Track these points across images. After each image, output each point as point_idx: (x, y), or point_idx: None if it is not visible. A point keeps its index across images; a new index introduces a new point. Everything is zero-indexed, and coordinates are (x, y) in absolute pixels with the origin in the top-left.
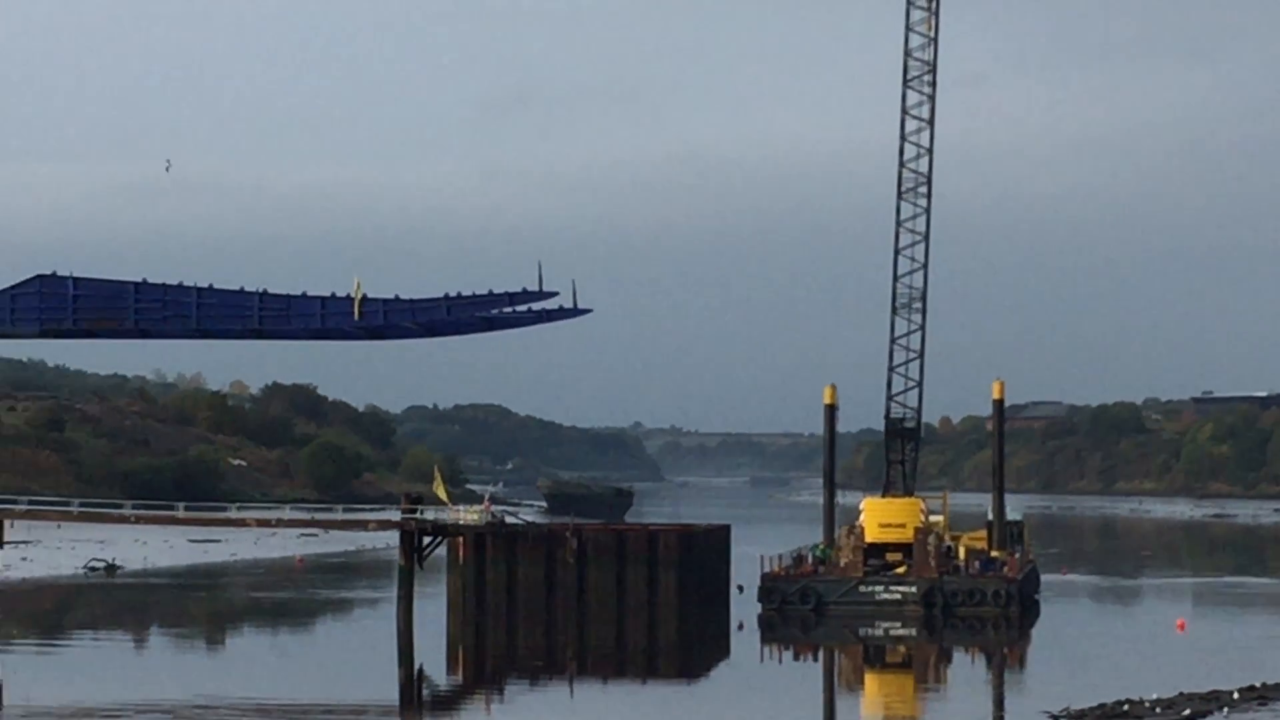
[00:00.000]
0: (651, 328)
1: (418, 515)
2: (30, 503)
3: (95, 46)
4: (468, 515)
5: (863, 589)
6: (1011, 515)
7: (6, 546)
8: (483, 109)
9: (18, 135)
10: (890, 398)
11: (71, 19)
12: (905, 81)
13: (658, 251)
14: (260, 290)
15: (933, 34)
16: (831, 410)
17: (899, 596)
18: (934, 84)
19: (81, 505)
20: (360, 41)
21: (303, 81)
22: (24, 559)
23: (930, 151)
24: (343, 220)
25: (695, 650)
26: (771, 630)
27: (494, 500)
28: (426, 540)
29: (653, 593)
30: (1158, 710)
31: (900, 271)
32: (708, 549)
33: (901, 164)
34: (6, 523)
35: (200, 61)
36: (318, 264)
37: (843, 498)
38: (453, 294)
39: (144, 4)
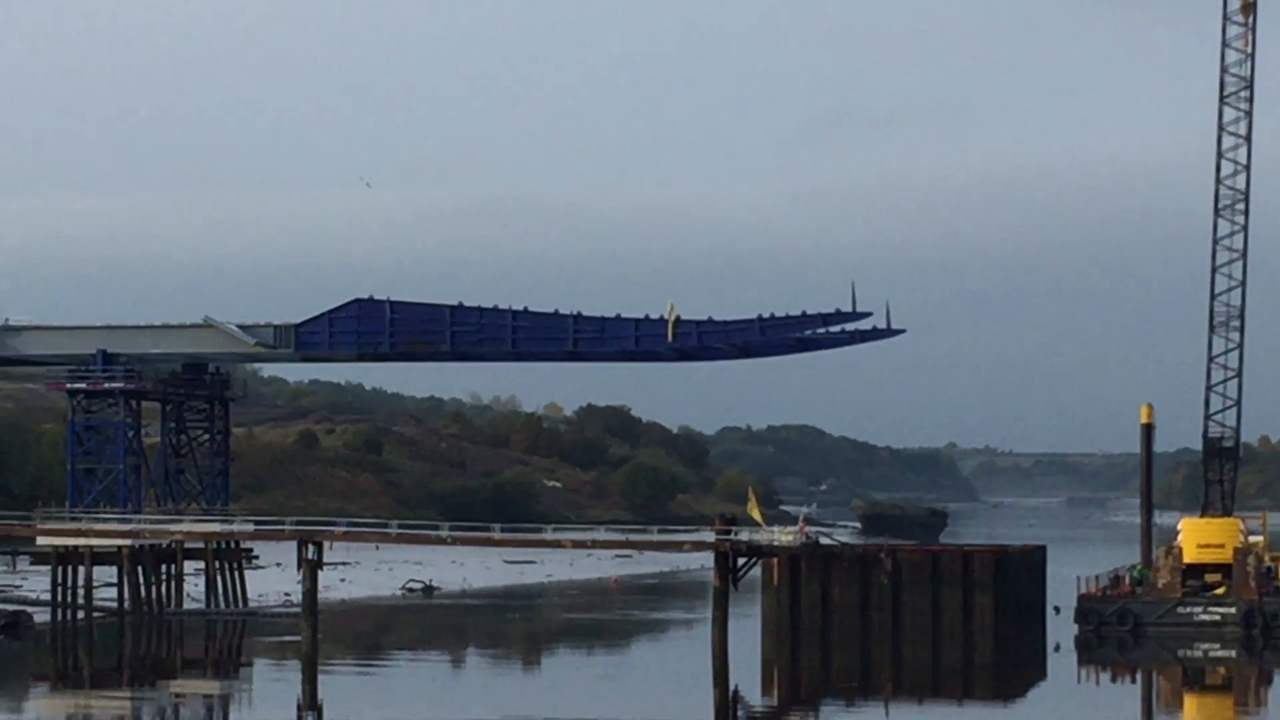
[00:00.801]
0: (966, 347)
1: (732, 536)
2: (349, 524)
3: (415, 73)
4: (782, 536)
5: (1181, 610)
6: None
7: (326, 568)
8: (800, 130)
9: (339, 161)
10: (1208, 417)
11: (394, 47)
12: (1222, 98)
13: (972, 270)
14: (575, 313)
15: (1250, 50)
16: (1148, 430)
17: (1218, 618)
18: (1251, 100)
19: (399, 527)
20: (679, 63)
21: (621, 103)
22: (343, 580)
23: (1248, 168)
24: (657, 242)
25: (1011, 671)
26: (1088, 651)
27: (808, 521)
28: (741, 561)
29: (968, 614)
30: None
31: (1217, 289)
32: (1023, 570)
33: (1218, 181)
34: (326, 544)
35: (521, 86)
36: (632, 286)
37: (1160, 518)
38: (766, 315)
39: (467, 32)
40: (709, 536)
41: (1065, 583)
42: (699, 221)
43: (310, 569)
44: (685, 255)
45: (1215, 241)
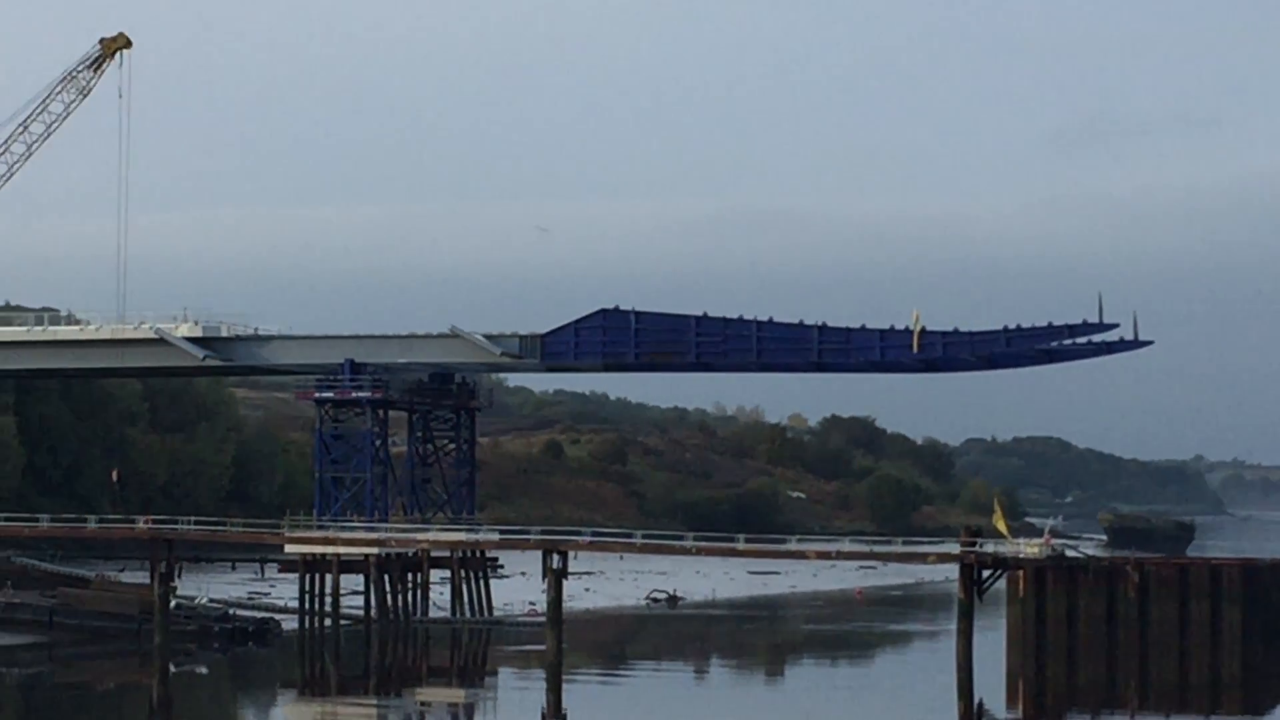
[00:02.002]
0: (1213, 359)
1: (977, 548)
2: (594, 534)
3: (658, 85)
4: (1028, 548)
5: None
6: None
7: (571, 577)
8: (1050, 140)
9: (586, 172)
10: None
11: (642, 61)
12: None
13: (1220, 281)
14: (819, 323)
15: None
16: None
17: None
18: None
19: (644, 537)
20: (932, 74)
21: (869, 112)
22: (587, 590)
23: None
24: (904, 252)
25: (1260, 687)
26: None
27: (1054, 533)
28: (986, 573)
29: (1215, 628)
30: None
31: None
32: (1273, 584)
33: None
34: (571, 554)
35: (767, 95)
36: (878, 296)
37: None
38: (1012, 326)
39: (717, 44)
40: (954, 548)
41: None
42: (946, 231)
43: (555, 578)
44: (931, 265)
45: None
